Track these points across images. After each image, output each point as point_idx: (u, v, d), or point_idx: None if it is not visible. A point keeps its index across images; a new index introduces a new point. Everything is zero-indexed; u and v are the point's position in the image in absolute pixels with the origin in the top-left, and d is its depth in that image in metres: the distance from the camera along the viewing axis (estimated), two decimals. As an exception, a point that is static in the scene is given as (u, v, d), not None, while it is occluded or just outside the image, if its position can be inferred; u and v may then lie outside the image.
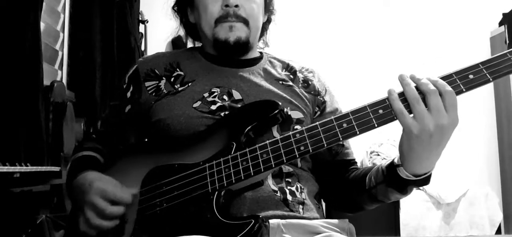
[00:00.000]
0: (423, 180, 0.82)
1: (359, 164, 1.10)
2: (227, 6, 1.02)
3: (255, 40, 1.11)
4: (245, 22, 1.03)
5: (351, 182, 1.01)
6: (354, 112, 0.81)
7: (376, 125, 0.79)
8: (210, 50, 1.10)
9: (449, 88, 0.75)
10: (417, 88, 0.76)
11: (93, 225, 0.87)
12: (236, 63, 1.07)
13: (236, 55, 1.07)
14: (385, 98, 0.80)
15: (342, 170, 1.05)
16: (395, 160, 0.85)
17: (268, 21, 1.18)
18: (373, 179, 0.92)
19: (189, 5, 1.13)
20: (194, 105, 0.98)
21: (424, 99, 0.75)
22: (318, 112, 1.08)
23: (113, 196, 0.87)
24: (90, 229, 0.88)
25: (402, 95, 0.77)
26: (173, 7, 1.18)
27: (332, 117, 0.82)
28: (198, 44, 1.18)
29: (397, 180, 0.84)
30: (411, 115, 0.76)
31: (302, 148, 0.82)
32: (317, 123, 0.83)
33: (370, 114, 0.79)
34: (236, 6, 1.02)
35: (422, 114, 0.74)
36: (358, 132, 0.79)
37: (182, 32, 1.22)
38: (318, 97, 1.09)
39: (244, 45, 1.04)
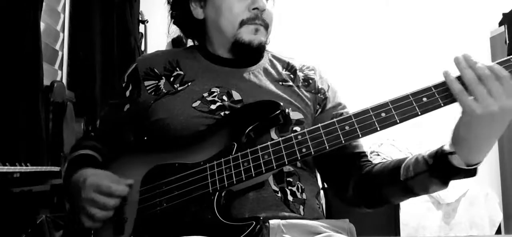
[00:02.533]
0: (472, 171, 0.80)
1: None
2: (256, 8, 1.01)
3: None
4: (266, 27, 1.04)
5: (377, 175, 0.95)
6: (356, 114, 0.80)
7: (378, 129, 0.78)
8: (217, 49, 1.07)
9: (506, 72, 0.73)
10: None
11: (98, 219, 0.88)
12: (236, 63, 1.07)
13: (252, 58, 1.07)
14: (387, 101, 0.79)
15: (353, 163, 1.01)
16: (446, 148, 0.81)
17: None
18: (412, 169, 0.86)
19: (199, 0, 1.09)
20: (194, 105, 0.98)
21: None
22: (320, 109, 1.06)
23: (107, 190, 0.87)
24: (95, 223, 0.89)
25: (458, 79, 0.75)
26: (168, 1, 1.15)
27: (335, 119, 0.82)
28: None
29: (444, 169, 0.81)
30: (471, 97, 0.74)
31: (304, 150, 0.81)
32: (319, 125, 0.82)
33: (373, 117, 0.79)
34: (264, 10, 1.02)
35: (484, 95, 0.72)
36: (360, 135, 0.79)
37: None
38: (319, 94, 1.07)
39: (262, 49, 1.06)
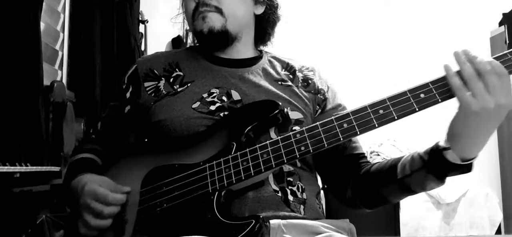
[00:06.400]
0: (468, 167, 0.80)
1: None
2: None
3: (238, 29, 1.06)
4: (219, 10, 1.01)
5: (374, 174, 0.96)
6: (354, 112, 0.80)
7: (376, 125, 0.79)
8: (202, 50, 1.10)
9: (505, 70, 0.74)
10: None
11: (93, 227, 0.87)
12: (235, 63, 1.07)
13: (219, 47, 1.06)
14: (385, 98, 0.79)
15: (352, 164, 1.01)
16: (441, 143, 0.81)
17: (269, 19, 1.13)
18: (408, 167, 0.87)
19: None
20: (194, 106, 0.98)
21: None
22: (319, 110, 1.06)
23: (104, 198, 0.86)
24: (90, 231, 0.88)
25: (458, 73, 0.75)
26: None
27: (333, 117, 0.82)
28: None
29: (440, 165, 0.81)
30: (469, 93, 0.74)
31: (302, 148, 0.81)
32: (318, 123, 0.82)
33: (371, 114, 0.79)
34: None
35: (482, 91, 0.73)
36: (358, 132, 0.79)
37: (182, 32, 1.22)
38: (319, 95, 1.07)
39: (221, 35, 1.02)
